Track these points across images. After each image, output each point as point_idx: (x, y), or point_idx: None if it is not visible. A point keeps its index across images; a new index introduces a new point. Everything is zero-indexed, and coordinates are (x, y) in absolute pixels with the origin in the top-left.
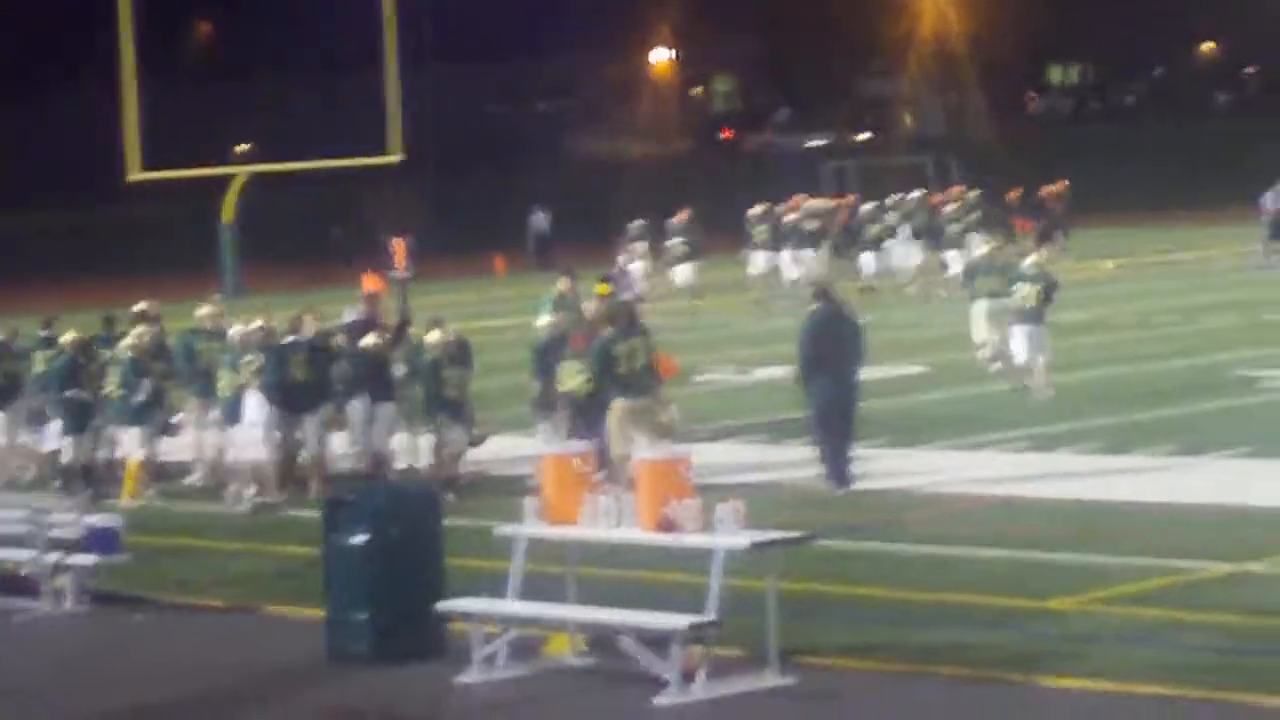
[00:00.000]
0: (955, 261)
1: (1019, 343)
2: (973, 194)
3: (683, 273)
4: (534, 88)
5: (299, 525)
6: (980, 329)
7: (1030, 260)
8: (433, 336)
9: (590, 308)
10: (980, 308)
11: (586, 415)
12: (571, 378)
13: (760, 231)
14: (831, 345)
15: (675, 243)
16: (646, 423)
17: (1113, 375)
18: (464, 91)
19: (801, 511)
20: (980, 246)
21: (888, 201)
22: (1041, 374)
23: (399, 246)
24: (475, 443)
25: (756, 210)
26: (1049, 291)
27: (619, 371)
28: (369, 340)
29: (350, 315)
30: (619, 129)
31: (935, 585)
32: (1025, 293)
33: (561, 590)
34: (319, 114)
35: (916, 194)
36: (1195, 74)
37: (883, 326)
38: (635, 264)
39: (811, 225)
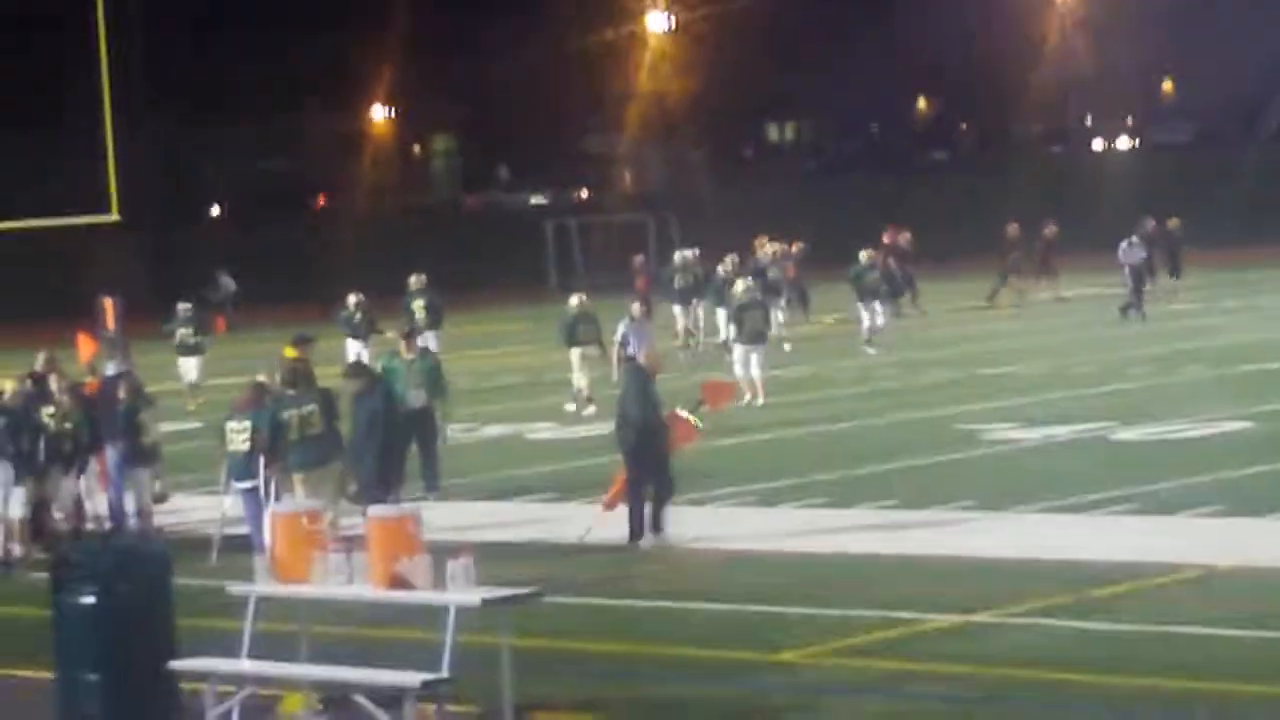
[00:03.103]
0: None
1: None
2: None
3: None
4: (255, 145)
5: (30, 586)
6: (578, 374)
7: (741, 288)
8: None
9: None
10: (576, 354)
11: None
12: (233, 438)
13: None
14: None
15: (417, 305)
16: (329, 489)
17: (835, 431)
18: (185, 150)
19: (530, 567)
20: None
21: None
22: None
23: (108, 305)
24: (159, 499)
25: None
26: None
27: (290, 439)
28: (48, 411)
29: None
30: (340, 186)
31: (665, 639)
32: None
33: (295, 649)
34: (35, 169)
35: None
36: (911, 132)
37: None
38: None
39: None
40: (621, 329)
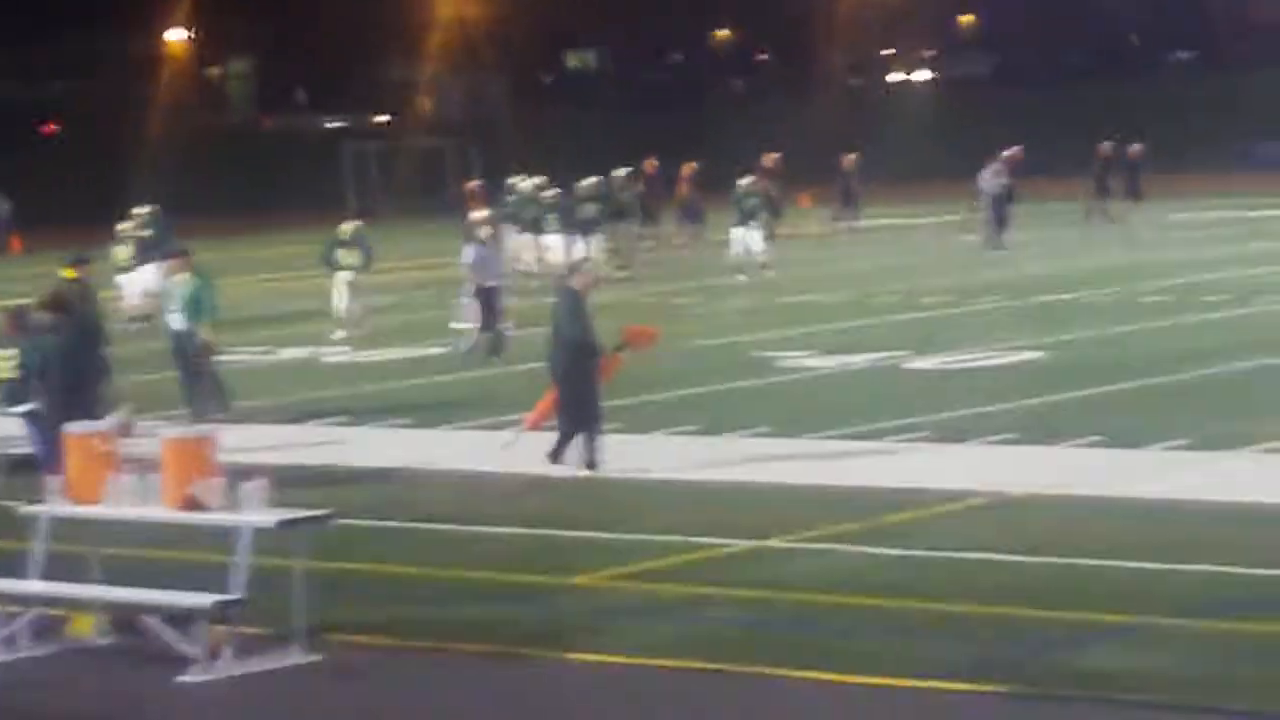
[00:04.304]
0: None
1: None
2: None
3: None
4: (48, 68)
5: None
6: (338, 296)
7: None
8: None
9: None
10: (341, 278)
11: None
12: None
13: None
14: None
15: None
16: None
17: (632, 357)
18: None
19: (325, 490)
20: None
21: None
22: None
23: None
24: None
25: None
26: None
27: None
28: None
29: None
30: (135, 109)
31: (459, 562)
32: None
33: (85, 570)
34: None
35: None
36: (712, 60)
37: (406, 308)
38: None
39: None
40: (471, 253)
